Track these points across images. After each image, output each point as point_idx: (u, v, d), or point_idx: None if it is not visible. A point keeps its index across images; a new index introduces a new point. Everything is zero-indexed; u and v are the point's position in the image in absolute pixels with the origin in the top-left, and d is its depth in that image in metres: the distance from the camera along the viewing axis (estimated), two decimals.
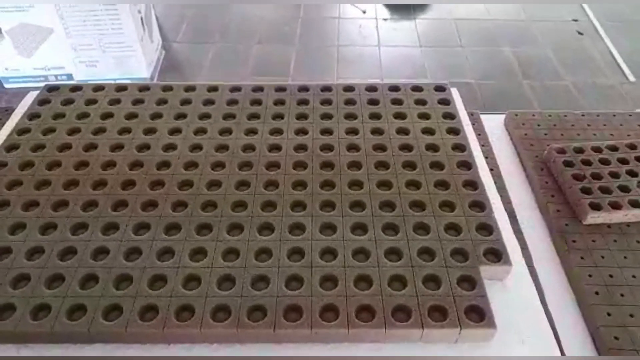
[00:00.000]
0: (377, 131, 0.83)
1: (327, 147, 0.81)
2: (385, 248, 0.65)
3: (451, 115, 0.86)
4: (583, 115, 1.02)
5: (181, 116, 0.87)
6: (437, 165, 0.77)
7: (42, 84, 0.95)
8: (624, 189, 0.83)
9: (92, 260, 0.65)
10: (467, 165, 0.77)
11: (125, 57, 2.32)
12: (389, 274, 0.63)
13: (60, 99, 0.91)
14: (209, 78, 2.56)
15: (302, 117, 0.87)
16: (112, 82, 2.37)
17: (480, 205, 0.71)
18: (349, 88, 0.92)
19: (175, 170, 0.77)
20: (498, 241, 0.66)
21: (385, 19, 3.13)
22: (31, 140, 0.82)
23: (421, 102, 0.89)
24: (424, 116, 0.86)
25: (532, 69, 2.72)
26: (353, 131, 0.84)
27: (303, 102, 0.90)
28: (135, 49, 2.30)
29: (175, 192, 0.73)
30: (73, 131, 0.84)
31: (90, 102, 0.90)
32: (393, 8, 3.20)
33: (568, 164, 0.88)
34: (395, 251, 0.66)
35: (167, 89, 0.93)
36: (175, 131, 0.84)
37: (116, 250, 0.66)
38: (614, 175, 0.86)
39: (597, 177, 0.86)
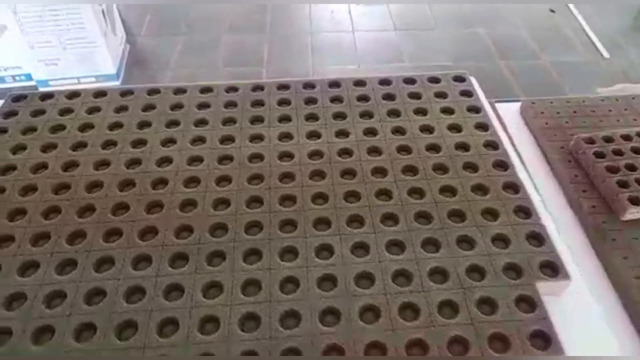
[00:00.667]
0: (398, 130, 0.74)
1: (346, 152, 0.71)
2: (428, 268, 0.57)
3: (476, 109, 0.78)
4: (602, 100, 0.96)
5: (173, 123, 0.76)
6: (470, 167, 0.69)
7: None
8: None
9: (85, 305, 0.54)
10: (504, 165, 0.69)
11: (89, 54, 2.15)
12: (437, 299, 0.54)
13: (29, 110, 0.78)
14: (179, 71, 2.41)
15: (311, 118, 0.77)
16: (76, 80, 2.22)
17: (526, 210, 0.64)
18: (359, 82, 0.82)
19: (174, 188, 0.66)
20: (553, 253, 0.59)
21: (357, 3, 3.03)
22: None
23: (441, 94, 0.80)
24: (447, 111, 0.77)
25: (509, 49, 2.68)
26: (371, 132, 0.74)
27: (310, 100, 0.80)
28: (99, 44, 2.13)
29: (177, 215, 0.63)
30: (48, 147, 0.73)
31: (65, 111, 0.78)
32: None
33: (599, 155, 0.81)
34: (439, 271, 0.57)
35: (153, 92, 0.81)
36: (168, 142, 0.74)
37: (114, 291, 0.55)
38: None
39: (631, 168, 0.79)
